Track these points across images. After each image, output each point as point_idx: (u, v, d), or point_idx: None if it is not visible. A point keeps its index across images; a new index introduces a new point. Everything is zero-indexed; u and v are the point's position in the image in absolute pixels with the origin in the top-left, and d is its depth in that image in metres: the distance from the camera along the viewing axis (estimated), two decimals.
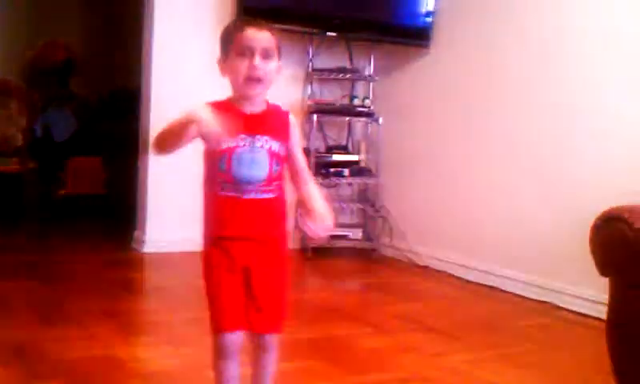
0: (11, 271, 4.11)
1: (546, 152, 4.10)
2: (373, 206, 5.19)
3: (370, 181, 5.18)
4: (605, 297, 2.64)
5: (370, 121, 5.25)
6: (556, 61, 4.07)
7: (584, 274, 3.46)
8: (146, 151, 4.84)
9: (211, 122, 1.70)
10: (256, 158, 1.83)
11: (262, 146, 1.84)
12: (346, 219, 5.43)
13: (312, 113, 5.03)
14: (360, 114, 5.25)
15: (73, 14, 7.40)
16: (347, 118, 5.31)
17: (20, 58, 6.98)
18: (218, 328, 1.88)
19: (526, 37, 4.27)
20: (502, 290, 4.22)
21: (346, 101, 5.35)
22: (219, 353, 1.90)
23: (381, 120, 5.12)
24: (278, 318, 1.93)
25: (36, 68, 6.97)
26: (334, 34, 5.02)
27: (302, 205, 1.93)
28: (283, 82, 5.49)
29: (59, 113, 6.60)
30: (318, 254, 4.94)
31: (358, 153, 5.30)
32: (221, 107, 1.83)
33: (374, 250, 5.10)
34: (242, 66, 1.81)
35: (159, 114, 4.77)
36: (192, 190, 5.36)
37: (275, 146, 1.86)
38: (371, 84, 5.34)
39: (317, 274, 4.74)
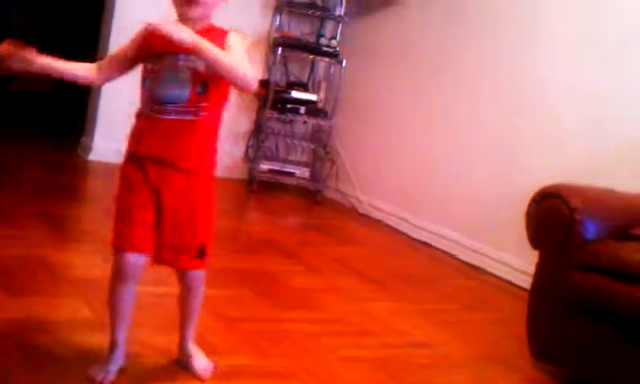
0: None
1: (501, 120, 4.14)
2: (324, 147, 5.22)
3: (325, 122, 5.19)
4: (530, 268, 2.75)
5: (333, 62, 5.23)
6: (527, 28, 4.06)
7: (514, 244, 3.58)
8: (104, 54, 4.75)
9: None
10: (177, 77, 1.78)
11: (185, 65, 1.77)
12: (296, 157, 5.45)
13: (277, 45, 4.99)
14: (325, 54, 5.22)
15: None
16: (311, 56, 5.29)
17: None
18: (119, 246, 1.84)
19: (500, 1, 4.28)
20: (435, 248, 4.31)
21: (312, 38, 5.32)
22: (116, 273, 1.87)
23: (344, 62, 5.11)
24: (189, 255, 1.88)
25: None
26: None
27: None
28: (252, 10, 5.47)
29: (17, 4, 6.41)
30: (263, 187, 4.96)
31: (317, 93, 5.29)
32: None
33: (318, 191, 5.14)
34: None
35: (121, 17, 4.68)
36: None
37: (201, 64, 1.77)
38: (340, 24, 5.31)
39: (259, 207, 4.78)
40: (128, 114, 5.13)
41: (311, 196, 5.10)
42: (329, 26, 5.39)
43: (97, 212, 3.74)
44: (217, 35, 1.81)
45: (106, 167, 4.61)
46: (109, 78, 1.94)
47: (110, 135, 4.78)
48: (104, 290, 2.52)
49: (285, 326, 2.62)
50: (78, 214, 3.80)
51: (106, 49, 4.70)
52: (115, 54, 1.93)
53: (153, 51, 1.81)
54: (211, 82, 1.80)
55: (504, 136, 4.11)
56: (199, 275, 1.94)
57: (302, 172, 5.24)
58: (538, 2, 4.04)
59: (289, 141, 5.38)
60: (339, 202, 5.14)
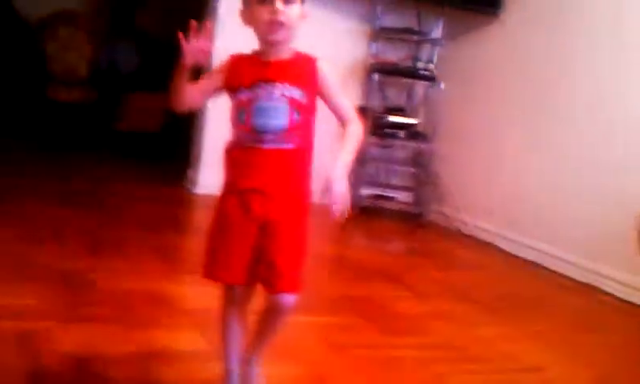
0: (66, 199, 4.23)
1: (609, 135, 4.03)
2: (425, 170, 5.20)
3: (425, 146, 5.18)
4: None
5: (431, 85, 5.22)
6: (633, 39, 3.97)
7: (627, 260, 3.46)
8: None
9: (189, 48, 1.77)
10: (274, 107, 1.78)
11: (281, 94, 1.77)
12: (397, 181, 5.45)
13: (374, 71, 5.03)
14: (422, 78, 5.23)
15: None
16: (409, 81, 5.29)
17: None
18: (210, 275, 1.87)
19: (600, 7, 4.18)
20: (544, 267, 4.21)
21: (409, 62, 5.33)
22: (224, 299, 1.92)
23: (442, 85, 5.09)
24: (291, 278, 1.84)
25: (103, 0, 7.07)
26: None
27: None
28: (348, 37, 5.53)
29: (124, 46, 6.69)
30: (365, 212, 4.98)
31: (416, 116, 5.29)
32: (243, 59, 1.84)
33: (421, 214, 5.12)
34: (264, 12, 1.75)
35: (222, 53, 4.82)
36: None
37: (296, 93, 1.78)
38: (437, 48, 5.30)
39: (363, 233, 4.79)
40: None
41: (414, 220, 5.09)
42: (425, 50, 5.39)
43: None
44: (305, 63, 1.82)
45: (213, 199, 4.73)
46: (192, 105, 1.96)
47: (215, 168, 4.91)
48: (218, 320, 2.61)
49: (395, 353, 2.62)
50: (189, 246, 3.91)
51: None
52: (200, 83, 1.91)
53: (245, 83, 1.81)
54: (305, 109, 1.80)
55: (610, 152, 3.99)
56: (292, 299, 1.87)
57: (404, 196, 5.23)
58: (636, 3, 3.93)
59: (389, 166, 5.39)
60: (443, 225, 5.10)
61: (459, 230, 4.94)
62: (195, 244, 3.97)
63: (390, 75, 5.18)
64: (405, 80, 5.28)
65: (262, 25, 1.77)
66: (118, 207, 4.29)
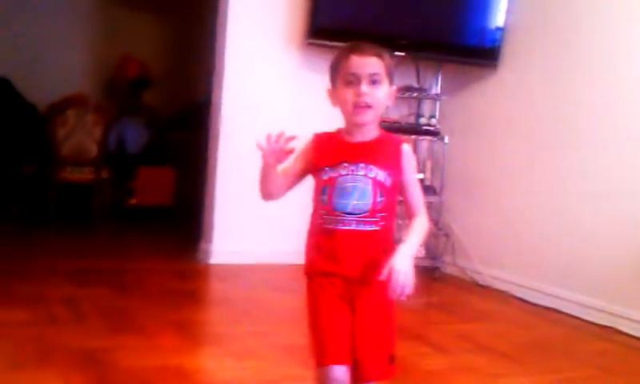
0: (83, 278, 4.26)
1: (616, 174, 4.06)
2: (436, 224, 5.21)
3: (434, 199, 5.19)
4: None
5: (435, 139, 5.27)
6: (628, 85, 4.03)
7: None
8: (214, 163, 4.98)
9: (267, 149, 1.73)
10: (358, 188, 1.76)
11: (365, 175, 1.76)
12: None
13: None
14: (426, 133, 5.28)
15: (147, 30, 7.65)
16: (413, 137, 5.34)
17: (99, 72, 7.26)
18: (323, 360, 1.77)
19: (595, 53, 4.24)
20: (563, 313, 4.19)
21: (412, 119, 5.39)
22: None
23: (446, 139, 5.14)
24: (384, 364, 1.80)
25: (112, 82, 7.24)
26: (402, 53, 5.06)
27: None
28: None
29: (132, 125, 6.82)
30: None
31: (423, 171, 5.32)
32: (327, 138, 1.84)
33: (436, 268, 5.11)
34: (349, 93, 1.76)
35: (229, 126, 4.91)
36: (259, 202, 5.48)
37: (381, 175, 1.77)
38: (438, 103, 5.37)
39: None
40: (243, 216, 5.32)
41: (429, 274, 5.07)
42: (426, 106, 5.45)
43: (225, 314, 3.85)
44: (390, 145, 1.82)
45: (227, 269, 4.76)
46: (280, 193, 1.87)
47: (228, 238, 4.96)
48: None
49: None
50: (207, 318, 3.92)
51: (215, 154, 4.92)
52: (286, 169, 1.85)
53: (329, 163, 1.79)
54: (388, 191, 1.78)
55: (619, 189, 4.01)
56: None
57: (417, 251, 5.21)
58: (630, 49, 3.98)
59: (400, 221, 5.39)
60: (458, 276, 5.09)
61: (475, 281, 4.93)
62: (213, 315, 4.00)
63: (395, 133, 5.21)
64: (409, 136, 5.33)
65: (348, 106, 1.77)
66: (134, 283, 4.30)
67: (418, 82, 5.37)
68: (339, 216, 1.76)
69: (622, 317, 3.87)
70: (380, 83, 1.77)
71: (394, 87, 1.82)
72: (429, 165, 5.35)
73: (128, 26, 7.45)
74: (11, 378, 2.59)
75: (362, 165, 1.77)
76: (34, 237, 5.61)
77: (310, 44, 4.90)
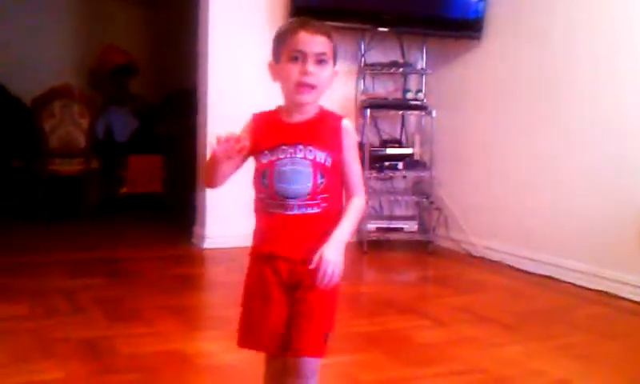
0: (79, 270, 4.27)
1: (602, 142, 4.08)
2: (427, 198, 5.23)
3: (424, 173, 5.22)
4: None
5: (423, 114, 5.28)
6: (608, 53, 4.05)
7: (638, 263, 3.48)
8: (203, 148, 4.97)
9: (220, 142, 1.65)
10: (298, 170, 1.71)
11: (304, 157, 1.71)
12: (401, 212, 5.49)
13: (365, 107, 5.09)
14: (413, 108, 5.29)
15: (130, 19, 7.61)
16: (400, 112, 5.36)
17: (82, 63, 7.22)
18: (239, 341, 1.81)
19: (580, 26, 4.25)
20: (558, 280, 4.23)
21: (398, 95, 5.40)
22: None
23: (434, 113, 5.15)
24: (314, 341, 1.74)
25: (97, 72, 7.20)
26: (385, 29, 5.06)
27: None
28: (336, 79, 5.56)
29: (119, 114, 6.79)
30: (373, 247, 5.00)
31: (412, 146, 5.34)
32: (265, 119, 1.79)
33: (429, 241, 5.14)
34: (294, 71, 1.69)
35: (215, 112, 4.91)
36: (250, 186, 5.48)
37: (321, 156, 1.72)
38: (424, 77, 5.38)
39: (373, 267, 4.81)
40: (235, 200, 5.35)
41: (422, 248, 5.10)
42: (413, 80, 5.46)
43: (221, 297, 3.88)
44: (330, 123, 1.76)
45: (221, 253, 4.78)
46: (224, 180, 1.84)
47: (221, 222, 4.97)
48: (242, 374, 2.63)
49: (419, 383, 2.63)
50: (204, 302, 3.94)
51: (204, 139, 4.92)
52: None
53: (267, 146, 1.74)
54: (330, 171, 1.74)
55: (608, 156, 4.03)
56: (315, 363, 1.77)
57: (410, 226, 5.25)
58: (616, 23, 4.00)
59: (391, 197, 5.43)
60: (452, 249, 5.12)
61: (468, 253, 4.97)
62: (210, 298, 4.02)
63: (382, 109, 5.24)
64: (397, 112, 5.35)
65: (290, 84, 1.71)
66: (130, 271, 4.31)
67: (403, 58, 5.38)
68: (280, 200, 1.72)
69: (616, 281, 3.91)
70: (326, 63, 1.72)
71: (337, 69, 1.77)
72: (417, 139, 5.37)
73: (111, 15, 7.42)
74: (13, 370, 2.60)
75: (301, 146, 1.71)
76: (27, 231, 5.60)
77: None
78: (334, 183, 1.75)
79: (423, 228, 5.27)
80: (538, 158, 4.54)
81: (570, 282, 4.16)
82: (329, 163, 1.73)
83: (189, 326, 3.31)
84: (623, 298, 3.83)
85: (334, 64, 1.75)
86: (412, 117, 5.48)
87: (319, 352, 1.75)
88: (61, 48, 7.19)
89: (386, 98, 5.28)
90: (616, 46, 4.02)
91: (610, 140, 4.04)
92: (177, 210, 5.97)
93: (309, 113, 1.76)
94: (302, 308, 1.73)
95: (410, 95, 5.35)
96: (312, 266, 1.67)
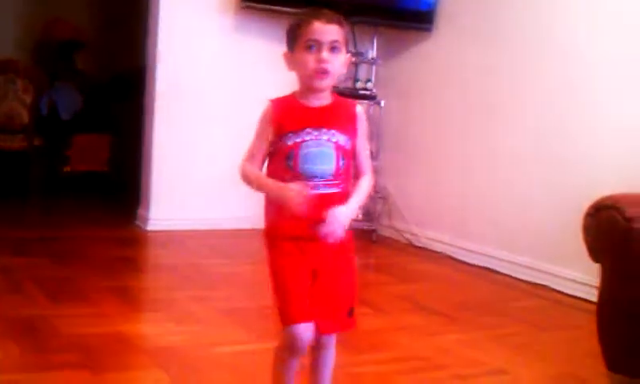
0: (19, 248, 4.20)
1: (546, 137, 4.17)
2: (373, 187, 5.26)
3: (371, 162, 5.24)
4: (596, 280, 2.75)
5: (372, 104, 5.31)
6: (556, 46, 4.12)
7: (578, 258, 3.54)
8: (150, 129, 4.93)
9: (298, 206, 1.74)
10: (323, 152, 1.82)
11: (328, 140, 1.82)
12: None
13: None
14: (362, 97, 5.30)
15: None
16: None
17: (28, 37, 7.04)
18: (289, 319, 1.84)
19: (527, 19, 4.32)
20: (497, 272, 4.32)
21: (348, 83, 5.42)
22: (289, 347, 1.89)
23: (383, 103, 5.19)
24: (342, 317, 1.90)
25: (42, 46, 7.03)
26: None
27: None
28: (282, 63, 5.55)
29: (65, 90, 6.66)
30: None
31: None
32: (285, 104, 1.87)
33: (373, 230, 5.19)
34: (310, 59, 1.80)
35: (164, 91, 4.86)
36: (195, 169, 5.44)
37: (342, 139, 1.84)
38: (374, 67, 5.40)
39: None
40: (180, 183, 5.28)
41: (366, 236, 5.15)
42: (363, 70, 5.49)
43: (163, 280, 3.86)
44: (345, 108, 1.89)
45: (165, 235, 4.75)
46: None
47: (165, 204, 4.93)
48: (181, 356, 2.63)
49: (358, 370, 2.66)
50: (147, 284, 3.92)
51: (151, 120, 4.87)
52: (259, 145, 1.88)
53: (291, 128, 1.83)
54: (348, 154, 1.86)
55: (549, 152, 4.13)
56: (334, 337, 1.94)
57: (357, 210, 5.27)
58: (560, 15, 4.09)
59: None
60: (395, 238, 5.18)
61: (410, 243, 5.03)
62: (152, 281, 4.00)
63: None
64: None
65: (308, 71, 1.82)
66: (71, 251, 4.25)
67: (354, 47, 5.39)
68: (305, 180, 1.80)
69: (551, 274, 4.01)
70: (339, 51, 1.83)
71: (349, 55, 1.89)
72: None
73: None
74: None
75: (324, 129, 1.83)
76: None
77: (245, 7, 4.87)
78: (350, 166, 1.88)
79: (368, 216, 5.32)
80: (480, 150, 4.62)
81: (507, 274, 4.25)
82: (348, 146, 1.86)
83: (130, 307, 3.29)
84: (559, 291, 3.93)
85: (347, 50, 1.87)
86: (361, 106, 5.49)
87: (346, 327, 1.92)
88: (5, 21, 7.00)
89: (336, 87, 5.28)
90: (564, 37, 4.10)
91: (552, 133, 4.12)
92: (122, 190, 5.90)
93: (326, 98, 1.87)
94: (324, 287, 1.86)
95: (359, 84, 5.37)
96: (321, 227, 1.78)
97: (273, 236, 1.89)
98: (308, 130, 1.82)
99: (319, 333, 1.88)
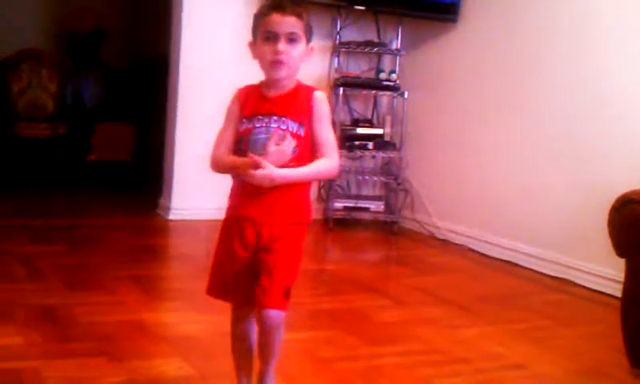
0: (41, 236, 4.23)
1: (572, 130, 4.11)
2: (395, 179, 5.25)
3: (394, 154, 5.23)
4: (621, 275, 2.71)
5: (395, 95, 5.28)
6: (586, 37, 4.06)
7: (601, 252, 3.52)
8: (173, 119, 4.93)
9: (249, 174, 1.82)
10: (270, 139, 1.85)
11: (278, 127, 1.86)
12: (368, 191, 5.50)
13: (338, 86, 5.08)
14: (386, 88, 5.29)
15: None
16: (373, 92, 5.36)
17: (53, 27, 7.08)
18: (206, 290, 2.00)
19: (555, 11, 4.27)
20: (519, 266, 4.28)
21: (372, 74, 5.40)
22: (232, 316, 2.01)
23: (406, 94, 5.15)
24: (276, 295, 1.88)
25: (67, 35, 7.08)
26: (361, 7, 5.05)
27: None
28: (313, 54, 5.54)
29: (89, 79, 6.70)
30: (339, 225, 5.02)
31: (383, 126, 5.34)
32: (248, 91, 1.95)
33: (394, 222, 5.17)
34: (267, 50, 1.86)
35: (187, 81, 4.86)
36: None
37: (294, 126, 1.87)
38: (398, 58, 5.37)
39: (338, 245, 4.83)
40: (201, 173, 5.31)
41: (388, 228, 5.13)
42: (386, 61, 5.46)
43: (184, 269, 3.87)
44: (304, 94, 1.92)
45: (185, 225, 4.76)
46: None
47: (186, 194, 4.94)
48: (202, 345, 2.64)
49: (377, 362, 2.65)
50: (167, 273, 3.93)
51: (174, 109, 4.88)
52: (227, 133, 1.95)
53: (245, 114, 1.91)
54: (302, 140, 1.88)
55: (575, 146, 4.08)
56: (280, 315, 1.91)
57: (377, 206, 5.27)
58: (589, 6, 4.03)
59: (360, 177, 5.44)
60: (416, 231, 5.15)
61: (432, 235, 5.00)
62: (173, 270, 4.01)
63: (355, 88, 5.23)
64: (369, 92, 5.35)
65: (265, 61, 1.88)
66: (92, 239, 4.28)
67: (379, 37, 5.37)
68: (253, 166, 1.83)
69: (575, 268, 3.97)
70: (297, 42, 1.87)
71: (312, 45, 1.92)
72: (388, 120, 5.37)
73: None
74: None
75: (275, 117, 1.88)
76: None
77: None
78: (305, 152, 1.89)
79: (389, 208, 5.30)
80: (505, 143, 4.57)
81: (530, 268, 4.21)
82: (301, 133, 1.88)
83: (149, 296, 3.30)
84: (582, 286, 3.89)
85: (308, 41, 1.91)
86: (384, 97, 5.48)
87: (279, 305, 1.88)
88: (31, 11, 7.04)
89: (359, 77, 5.28)
90: (591, 30, 4.04)
91: (578, 127, 4.07)
92: (144, 180, 5.92)
93: (286, 87, 1.92)
94: (262, 265, 1.88)
95: (383, 75, 5.34)
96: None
97: (227, 215, 1.98)
98: (259, 116, 1.89)
99: (257, 307, 1.90)
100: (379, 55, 5.43)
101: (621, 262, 2.71)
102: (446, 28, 5.05)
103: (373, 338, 2.90)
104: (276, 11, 1.86)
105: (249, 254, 1.91)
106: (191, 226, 4.71)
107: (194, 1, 4.86)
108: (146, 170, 5.92)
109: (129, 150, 6.56)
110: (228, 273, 1.94)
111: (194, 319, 2.94)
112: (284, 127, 1.87)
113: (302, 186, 1.94)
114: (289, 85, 1.92)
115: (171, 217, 4.91)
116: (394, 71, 5.34)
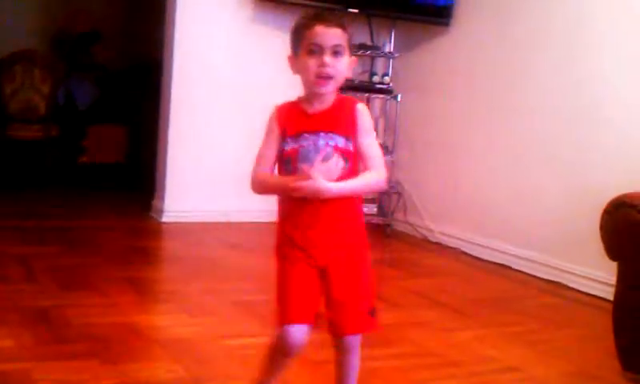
0: (34, 237, 4.21)
1: (565, 134, 4.12)
2: (388, 182, 5.24)
3: (386, 157, 5.20)
4: (613, 279, 2.72)
5: (388, 98, 5.29)
6: (579, 41, 4.07)
7: (594, 255, 3.53)
8: (166, 121, 4.92)
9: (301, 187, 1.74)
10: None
11: (326, 144, 1.79)
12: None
13: None
14: (379, 91, 5.29)
15: None
16: (366, 95, 5.36)
17: (46, 28, 7.06)
18: (284, 319, 1.87)
19: (548, 15, 4.28)
20: (512, 269, 4.29)
21: (365, 77, 5.40)
22: (281, 347, 1.92)
23: (399, 97, 5.16)
24: (364, 317, 1.89)
25: (60, 37, 7.06)
26: (354, 10, 5.05)
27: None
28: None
29: (82, 81, 6.68)
30: None
31: (376, 129, 5.34)
32: (287, 109, 1.87)
33: (388, 225, 5.17)
34: (312, 63, 1.78)
35: (180, 84, 4.86)
36: (210, 162, 5.44)
37: (341, 141, 1.80)
38: (391, 61, 5.38)
39: None
40: (195, 176, 5.30)
41: (380, 231, 5.13)
42: (379, 64, 5.46)
43: (177, 271, 3.86)
44: (347, 107, 1.85)
45: (179, 227, 4.75)
46: None
47: (179, 197, 4.93)
48: (194, 348, 2.62)
49: (372, 365, 2.63)
50: (160, 276, 3.92)
51: (167, 112, 4.87)
52: (268, 152, 1.87)
53: (290, 134, 1.83)
54: (352, 155, 1.82)
55: (568, 149, 4.09)
56: (358, 338, 1.94)
57: (370, 208, 5.26)
58: (582, 10, 4.04)
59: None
60: (409, 234, 5.15)
61: (426, 238, 5.00)
62: (166, 272, 4.00)
63: (348, 91, 5.22)
64: (362, 94, 5.34)
65: (310, 75, 1.80)
66: (85, 241, 4.27)
67: (372, 40, 5.37)
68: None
69: (567, 272, 3.98)
70: (342, 54, 1.80)
71: (353, 58, 1.86)
72: (381, 123, 5.38)
73: None
74: None
75: (322, 133, 1.80)
76: None
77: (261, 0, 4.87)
78: (355, 166, 1.84)
79: (382, 211, 5.30)
80: (498, 146, 4.58)
81: (523, 271, 4.22)
82: (350, 147, 1.82)
83: (143, 298, 3.30)
84: (575, 289, 3.89)
85: (350, 54, 1.84)
86: (377, 100, 5.49)
87: (368, 327, 1.92)
88: (25, 12, 7.02)
89: (351, 80, 5.27)
90: (584, 34, 4.06)
91: (570, 130, 4.08)
92: (137, 182, 5.90)
93: (328, 101, 1.85)
94: (339, 287, 1.85)
95: (376, 78, 5.35)
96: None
97: (281, 241, 1.89)
98: (305, 135, 1.81)
99: (342, 334, 1.89)
100: (372, 58, 5.43)
101: (613, 266, 2.72)
102: (439, 31, 5.06)
103: (367, 341, 2.85)
104: (320, 23, 1.79)
105: (317, 276, 1.86)
106: (184, 228, 4.70)
107: (188, 3, 4.86)
108: (139, 172, 5.91)
109: (121, 152, 6.54)
110: (305, 295, 1.86)
111: (186, 322, 2.94)
112: (332, 143, 1.80)
113: (355, 204, 1.88)
114: (330, 98, 1.84)
115: (164, 219, 4.90)
116: (386, 74, 5.35)
